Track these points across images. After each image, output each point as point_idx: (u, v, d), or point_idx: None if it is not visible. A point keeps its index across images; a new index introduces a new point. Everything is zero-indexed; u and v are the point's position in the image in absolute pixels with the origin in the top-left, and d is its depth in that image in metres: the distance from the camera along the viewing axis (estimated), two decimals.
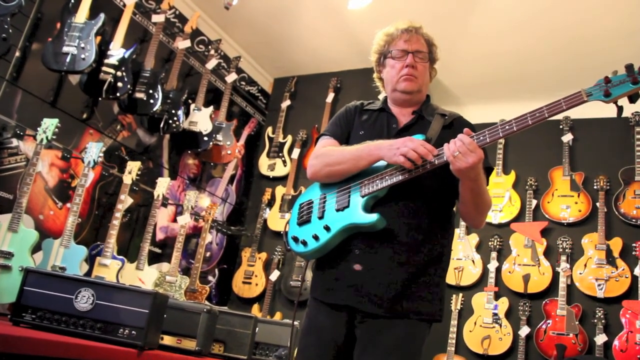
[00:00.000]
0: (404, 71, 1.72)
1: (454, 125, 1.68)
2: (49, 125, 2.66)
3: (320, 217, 1.65)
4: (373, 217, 1.53)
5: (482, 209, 1.61)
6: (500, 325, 3.65)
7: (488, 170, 1.65)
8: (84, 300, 1.88)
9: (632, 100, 1.40)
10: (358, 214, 1.56)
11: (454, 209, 1.72)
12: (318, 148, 1.77)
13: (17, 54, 2.81)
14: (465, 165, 1.42)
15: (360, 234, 1.58)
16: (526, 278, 3.70)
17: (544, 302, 3.60)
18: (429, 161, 1.50)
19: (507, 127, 1.44)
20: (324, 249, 1.62)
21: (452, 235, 1.71)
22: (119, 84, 3.06)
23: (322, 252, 1.64)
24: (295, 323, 2.13)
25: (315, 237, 1.62)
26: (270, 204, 4.26)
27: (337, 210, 1.61)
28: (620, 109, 1.40)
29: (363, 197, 1.57)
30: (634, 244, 3.42)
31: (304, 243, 1.66)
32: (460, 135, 1.45)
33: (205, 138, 3.71)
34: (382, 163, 1.58)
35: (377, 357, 1.51)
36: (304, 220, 1.70)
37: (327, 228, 1.60)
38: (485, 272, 3.88)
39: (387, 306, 1.53)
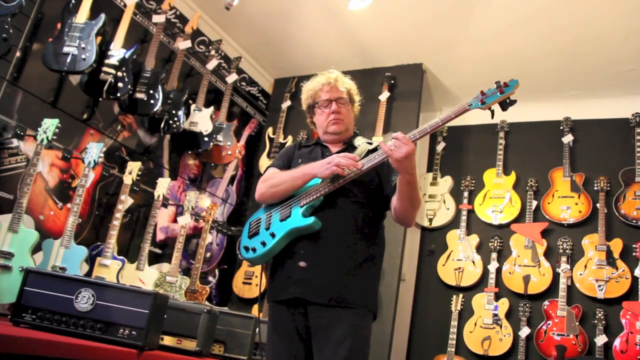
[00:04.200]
0: (331, 117, 2.06)
1: (378, 149, 1.93)
2: (50, 125, 2.66)
3: (267, 228, 1.94)
4: (310, 219, 1.83)
5: (416, 204, 1.87)
6: (501, 326, 3.65)
7: None
8: (84, 301, 1.88)
9: (502, 107, 1.76)
10: (298, 219, 1.86)
11: (383, 220, 2.02)
12: (264, 176, 2.07)
13: (18, 54, 2.81)
14: (400, 155, 1.69)
15: (303, 237, 1.87)
16: (526, 279, 3.70)
17: (544, 303, 3.60)
18: (353, 170, 1.81)
19: (428, 128, 1.78)
20: (270, 252, 1.91)
21: (383, 240, 2.00)
22: (120, 84, 3.06)
23: (268, 257, 1.93)
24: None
25: (263, 243, 1.91)
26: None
27: (281, 220, 1.91)
28: (492, 113, 1.77)
29: (302, 206, 1.88)
30: (634, 245, 3.42)
31: (253, 250, 1.95)
32: (394, 134, 1.74)
33: (206, 138, 3.71)
34: (315, 181, 1.89)
35: (331, 348, 1.75)
36: (253, 233, 1.99)
37: (272, 235, 1.90)
38: (485, 273, 3.88)
39: (329, 296, 1.80)
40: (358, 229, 1.89)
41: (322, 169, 1.84)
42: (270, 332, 1.93)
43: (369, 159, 1.83)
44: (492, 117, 1.78)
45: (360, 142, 2.06)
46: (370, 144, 2.04)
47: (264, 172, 2.17)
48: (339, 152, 2.02)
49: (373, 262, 1.92)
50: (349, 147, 2.06)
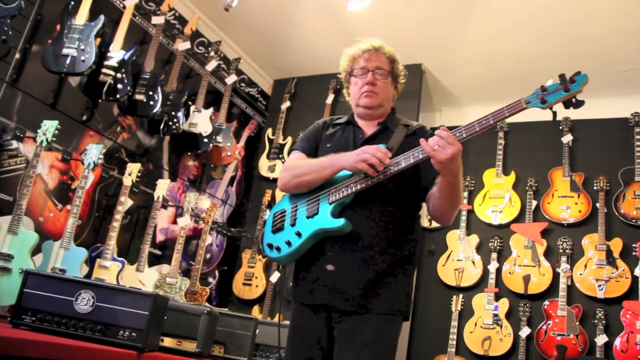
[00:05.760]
0: (364, 88, 1.84)
1: (417, 133, 1.80)
2: (49, 127, 2.66)
3: (293, 225, 1.78)
4: (340, 221, 1.65)
5: (457, 204, 1.69)
6: (501, 326, 3.64)
7: None
8: (84, 302, 1.87)
9: (566, 106, 1.50)
10: (326, 219, 1.69)
11: (419, 212, 1.84)
12: (288, 162, 1.89)
13: (17, 56, 2.81)
14: (444, 157, 1.50)
15: (331, 238, 1.70)
16: (526, 279, 3.70)
17: (544, 302, 3.60)
18: (388, 166, 1.61)
19: (477, 125, 1.55)
20: (296, 253, 1.75)
21: (419, 238, 1.81)
22: (119, 86, 3.06)
23: (294, 257, 1.78)
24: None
25: (288, 243, 1.75)
26: (271, 205, 4.26)
27: (308, 217, 1.74)
28: (554, 114, 1.51)
29: (330, 204, 1.70)
30: (634, 245, 3.42)
31: (278, 249, 1.79)
32: (437, 131, 1.54)
33: (205, 140, 3.71)
34: (346, 172, 1.70)
35: (353, 353, 1.61)
36: (277, 228, 1.83)
37: (298, 234, 1.73)
38: (485, 273, 3.88)
39: (357, 303, 1.65)
40: (391, 227, 1.70)
41: (352, 162, 1.63)
42: (290, 332, 1.80)
43: (406, 156, 1.61)
44: (554, 119, 1.51)
45: (397, 124, 1.85)
46: (408, 126, 1.83)
47: (288, 153, 2.05)
48: (372, 135, 1.84)
49: (407, 262, 1.74)
50: (384, 129, 1.85)
